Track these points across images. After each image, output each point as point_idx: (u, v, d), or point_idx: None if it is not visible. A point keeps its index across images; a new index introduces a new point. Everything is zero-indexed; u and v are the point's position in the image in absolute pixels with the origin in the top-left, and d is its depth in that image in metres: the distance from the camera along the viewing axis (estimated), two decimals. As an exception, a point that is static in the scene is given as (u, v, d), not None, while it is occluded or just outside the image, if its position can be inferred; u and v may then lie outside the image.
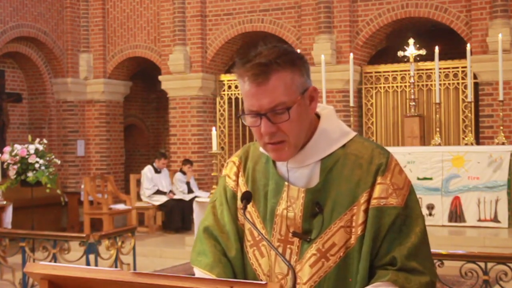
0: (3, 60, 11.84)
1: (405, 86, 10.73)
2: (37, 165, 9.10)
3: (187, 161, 11.41)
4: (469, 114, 9.87)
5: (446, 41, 11.07)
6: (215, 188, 2.12)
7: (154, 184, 11.34)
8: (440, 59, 9.84)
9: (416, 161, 9.09)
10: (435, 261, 4.29)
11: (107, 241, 5.92)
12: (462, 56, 9.90)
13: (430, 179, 9.00)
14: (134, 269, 6.26)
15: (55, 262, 5.77)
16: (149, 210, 11.22)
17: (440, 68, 9.98)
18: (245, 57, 1.82)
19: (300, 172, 1.90)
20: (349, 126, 9.58)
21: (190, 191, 11.29)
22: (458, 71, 10.38)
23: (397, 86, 10.86)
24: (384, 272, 1.80)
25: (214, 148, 8.43)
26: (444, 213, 8.93)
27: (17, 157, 9.02)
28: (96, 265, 5.79)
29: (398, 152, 9.00)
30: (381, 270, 1.81)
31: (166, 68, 11.94)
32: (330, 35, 10.76)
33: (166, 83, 12.00)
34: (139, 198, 11.48)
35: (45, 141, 9.62)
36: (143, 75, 13.79)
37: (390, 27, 10.85)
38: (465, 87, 10.03)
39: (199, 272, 1.97)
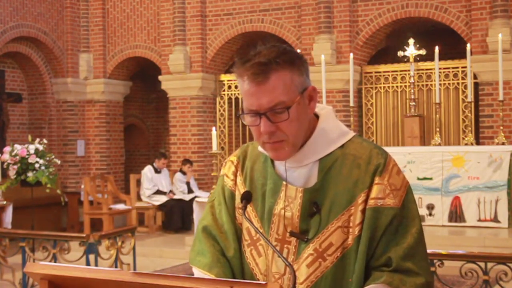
0: (3, 60, 11.84)
1: (405, 86, 10.73)
2: (37, 165, 9.10)
3: (187, 161, 11.41)
4: (469, 114, 9.87)
5: (446, 41, 11.07)
6: (214, 187, 2.11)
7: (154, 184, 11.34)
8: (440, 59, 9.84)
9: (416, 161, 9.08)
10: (435, 261, 4.30)
11: (107, 241, 5.92)
12: (462, 56, 9.90)
13: (430, 179, 9.00)
14: (134, 269, 6.26)
15: (55, 262, 5.77)
16: (149, 210, 11.22)
17: (440, 68, 9.98)
18: (244, 56, 1.82)
19: (298, 172, 1.90)
20: (349, 126, 9.62)
21: (190, 191, 11.30)
22: (458, 71, 10.38)
23: (397, 86, 10.86)
24: (379, 274, 1.80)
25: (214, 148, 8.43)
26: (444, 213, 8.93)
27: (17, 157, 9.02)
28: (96, 265, 5.78)
29: (398, 152, 9.00)
30: (376, 272, 1.81)
31: (166, 68, 11.94)
32: (330, 35, 10.76)
33: (166, 83, 12.00)
34: (139, 198, 11.48)
35: (45, 141, 9.62)
36: (143, 75, 13.79)
37: (390, 27, 10.85)
38: (465, 87, 10.03)
39: (198, 272, 1.97)
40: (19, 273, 6.30)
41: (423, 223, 1.96)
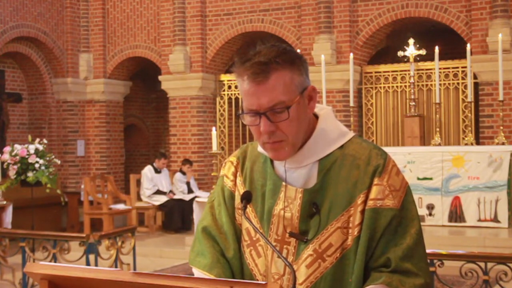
0: (3, 60, 11.84)
1: (405, 86, 10.73)
2: (37, 165, 9.10)
3: (186, 161, 11.41)
4: (469, 114, 9.87)
5: (446, 41, 11.07)
6: (214, 188, 2.11)
7: (154, 184, 11.34)
8: (440, 59, 9.84)
9: (416, 161, 9.08)
10: (435, 261, 4.30)
11: (107, 241, 5.92)
12: (462, 56, 9.90)
13: (430, 179, 9.00)
14: (134, 269, 6.26)
15: (55, 262, 5.77)
16: (149, 210, 11.22)
17: (440, 68, 9.98)
18: (244, 56, 1.82)
19: (298, 172, 1.90)
20: (349, 126, 9.63)
21: (190, 191, 11.30)
22: (458, 71, 10.38)
23: (397, 86, 10.86)
24: (378, 275, 1.80)
25: (214, 148, 8.43)
26: (444, 213, 8.93)
27: (17, 157, 9.02)
28: (96, 265, 5.78)
29: (398, 152, 9.00)
30: (375, 272, 1.81)
31: (166, 68, 11.94)
32: (330, 35, 10.76)
33: (166, 83, 12.00)
34: (139, 198, 11.48)
35: (45, 141, 9.62)
36: (143, 75, 13.79)
37: (390, 27, 10.85)
38: (465, 87, 10.03)
39: (198, 273, 1.97)
40: (19, 273, 6.30)
41: (423, 223, 1.97)
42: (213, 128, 8.70)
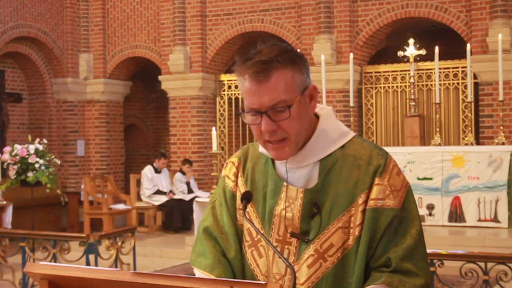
0: (3, 60, 11.84)
1: (405, 86, 10.73)
2: (37, 165, 9.10)
3: (186, 161, 11.41)
4: (469, 114, 9.87)
5: (446, 41, 11.07)
6: (215, 188, 2.11)
7: (154, 184, 11.34)
8: (440, 59, 9.83)
9: (416, 161, 9.08)
10: (435, 261, 4.30)
11: (107, 241, 5.92)
12: (462, 56, 9.90)
13: (430, 179, 9.00)
14: (134, 269, 6.26)
15: (55, 262, 5.77)
16: (149, 210, 11.22)
17: (440, 68, 9.98)
18: (245, 55, 1.82)
19: (299, 172, 1.89)
20: (349, 126, 9.62)
21: (190, 191, 11.30)
22: (458, 71, 10.38)
23: (397, 86, 10.86)
24: (378, 275, 1.80)
25: (214, 148, 8.43)
26: (444, 213, 8.93)
27: (17, 157, 9.02)
28: (96, 265, 5.78)
29: (398, 152, 9.00)
30: (375, 272, 1.81)
31: (166, 68, 11.94)
32: (330, 35, 10.76)
33: (166, 83, 12.00)
34: (139, 198, 11.48)
35: (45, 141, 9.62)
36: (143, 75, 13.80)
37: (390, 27, 10.85)
38: (465, 87, 10.03)
39: (199, 273, 1.97)
40: (19, 273, 6.30)
41: (423, 223, 1.96)
42: (213, 128, 8.70)
